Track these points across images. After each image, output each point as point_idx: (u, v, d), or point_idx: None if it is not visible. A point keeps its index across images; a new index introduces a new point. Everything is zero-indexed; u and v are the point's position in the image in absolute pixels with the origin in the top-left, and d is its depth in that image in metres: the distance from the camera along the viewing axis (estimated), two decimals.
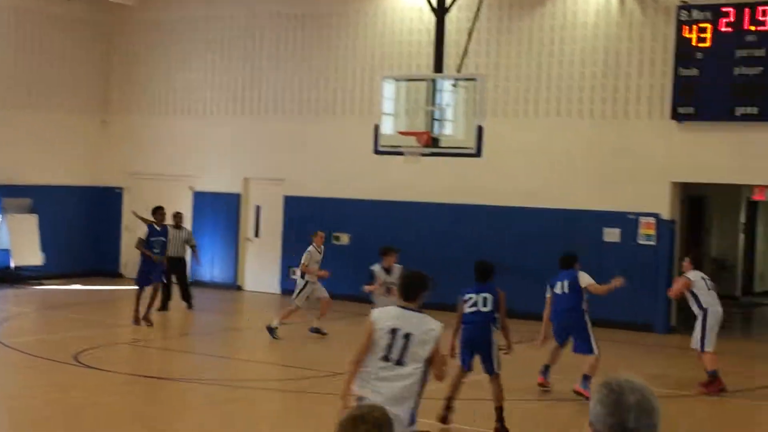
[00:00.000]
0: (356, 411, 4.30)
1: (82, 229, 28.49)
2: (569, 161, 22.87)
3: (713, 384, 15.29)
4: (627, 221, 22.19)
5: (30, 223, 26.65)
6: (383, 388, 7.88)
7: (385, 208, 24.57)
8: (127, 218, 28.07)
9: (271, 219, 26.60)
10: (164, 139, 28.15)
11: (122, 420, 12.90)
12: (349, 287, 21.35)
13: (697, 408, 14.97)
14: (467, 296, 12.76)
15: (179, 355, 18.82)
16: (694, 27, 21.18)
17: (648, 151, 22.12)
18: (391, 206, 24.54)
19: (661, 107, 21.98)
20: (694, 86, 21.27)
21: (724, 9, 20.94)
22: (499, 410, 12.48)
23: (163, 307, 22.27)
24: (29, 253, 26.58)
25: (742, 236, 30.24)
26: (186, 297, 23.05)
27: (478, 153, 18.76)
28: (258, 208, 26.99)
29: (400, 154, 19.42)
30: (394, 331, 7.98)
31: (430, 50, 22.96)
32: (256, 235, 27.01)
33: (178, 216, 22.80)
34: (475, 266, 13.04)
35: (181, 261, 22.87)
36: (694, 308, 15.69)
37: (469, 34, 22.07)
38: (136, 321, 20.29)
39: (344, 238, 24.96)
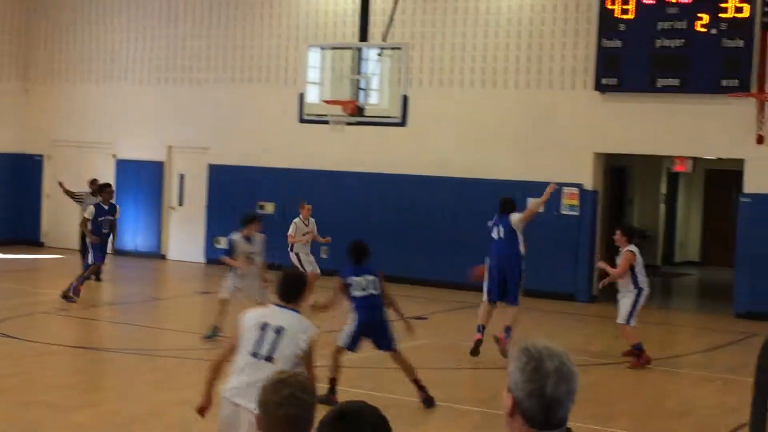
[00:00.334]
0: (278, 375, 4.27)
1: (2, 197, 28.03)
2: (494, 131, 22.96)
3: (641, 357, 15.41)
4: None
5: None
6: (247, 381, 7.42)
7: (311, 177, 24.49)
8: (48, 186, 27.68)
9: (195, 188, 26.39)
10: (87, 106, 27.75)
11: (43, 389, 12.75)
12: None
13: (617, 376, 15.18)
14: (349, 279, 12.22)
15: (103, 324, 18.68)
16: None
17: (571, 121, 22.29)
18: (317, 175, 24.47)
19: (584, 78, 22.15)
20: (617, 57, 21.46)
21: None
22: (416, 381, 12.34)
23: (97, 278, 21.87)
24: None
25: (663, 207, 30.68)
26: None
27: (403, 122, 18.76)
28: (182, 177, 26.76)
29: (326, 122, 19.33)
30: (264, 326, 7.62)
31: (355, 18, 22.85)
32: (180, 203, 26.80)
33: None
34: (351, 247, 12.43)
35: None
36: (629, 286, 15.19)
37: (395, 3, 22.00)
38: (76, 292, 19.58)
39: (269, 207, 24.84)
